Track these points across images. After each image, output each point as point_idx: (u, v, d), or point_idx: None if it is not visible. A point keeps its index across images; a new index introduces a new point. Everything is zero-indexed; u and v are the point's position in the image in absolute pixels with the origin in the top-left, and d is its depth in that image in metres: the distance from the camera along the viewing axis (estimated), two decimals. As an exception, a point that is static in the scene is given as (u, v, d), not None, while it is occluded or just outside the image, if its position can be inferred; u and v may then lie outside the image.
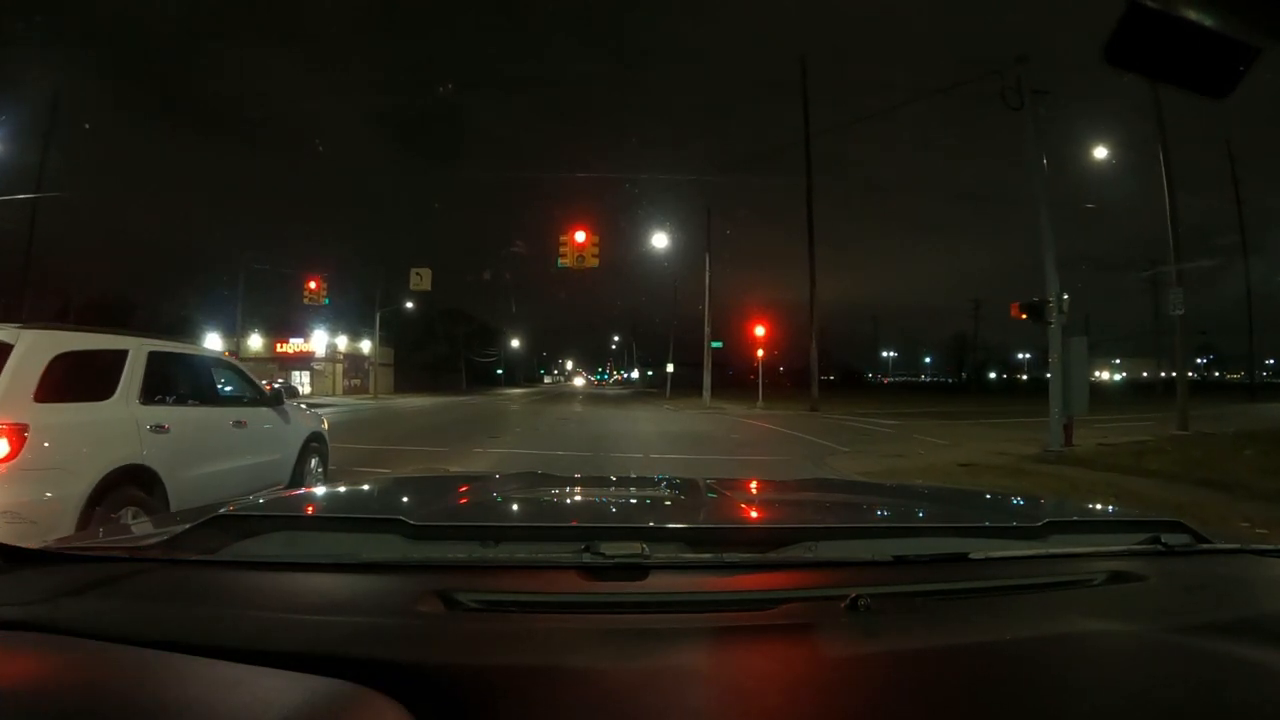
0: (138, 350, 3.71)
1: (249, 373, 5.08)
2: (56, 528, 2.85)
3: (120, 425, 3.44)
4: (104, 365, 3.54)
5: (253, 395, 4.85)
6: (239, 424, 4.44)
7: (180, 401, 4.03)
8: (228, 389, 4.73)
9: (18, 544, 1.00)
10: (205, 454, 4.02)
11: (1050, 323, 9.26)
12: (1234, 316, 35.56)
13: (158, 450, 3.56)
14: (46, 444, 3.06)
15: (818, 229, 24.46)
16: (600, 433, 13.94)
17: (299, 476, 5.12)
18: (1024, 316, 9.49)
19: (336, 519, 1.38)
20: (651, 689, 0.68)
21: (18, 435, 2.94)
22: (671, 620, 0.84)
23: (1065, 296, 9.38)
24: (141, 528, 1.39)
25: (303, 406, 6.25)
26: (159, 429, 3.62)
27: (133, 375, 3.60)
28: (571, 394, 47.98)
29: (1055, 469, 8.09)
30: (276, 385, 5.11)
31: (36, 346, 3.22)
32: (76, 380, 3.36)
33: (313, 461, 5.47)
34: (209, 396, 4.34)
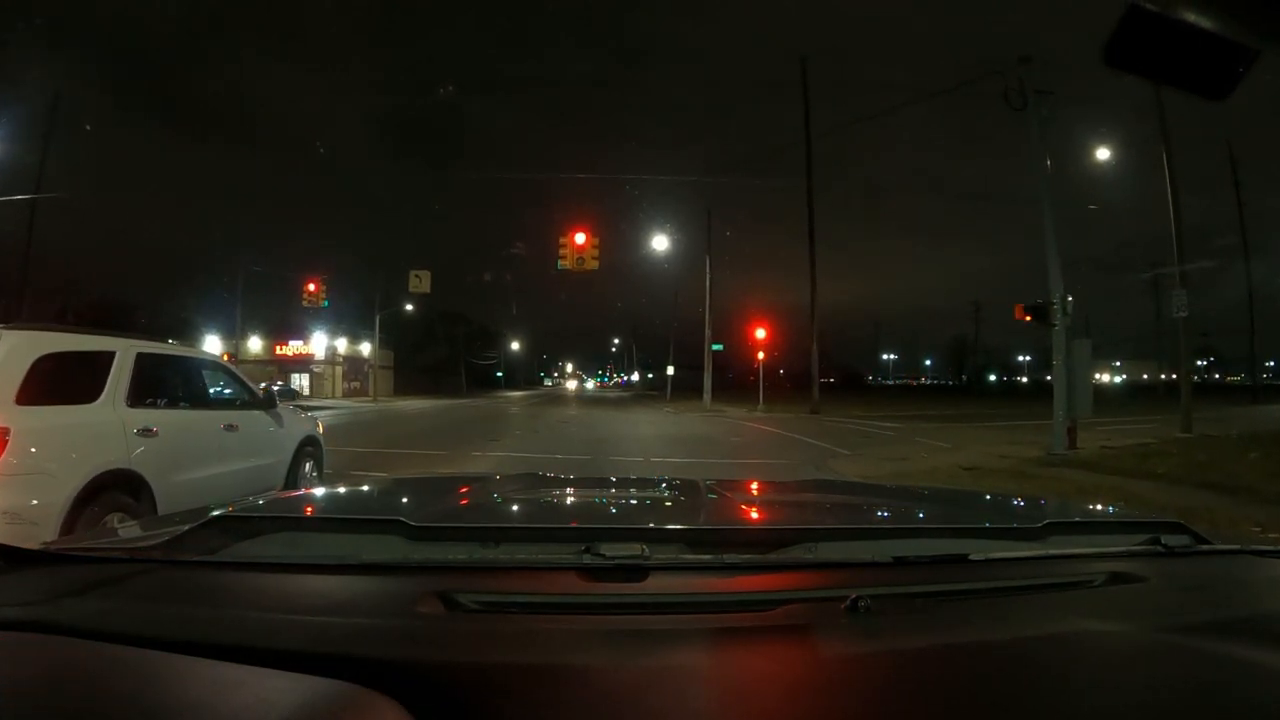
0: (125, 352, 3.63)
1: (241, 375, 5.00)
2: (40, 534, 2.78)
3: (106, 428, 3.36)
4: (90, 367, 3.45)
5: (245, 398, 4.77)
6: (230, 428, 4.35)
7: (169, 404, 3.94)
8: (221, 391, 4.65)
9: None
10: (195, 458, 3.94)
11: (1054, 324, 9.17)
12: (1235, 318, 35.47)
13: (145, 454, 3.48)
14: (28, 448, 2.98)
15: (818, 231, 24.37)
16: (600, 435, 13.86)
17: (293, 481, 5.03)
18: (1028, 318, 9.39)
19: (337, 520, 1.38)
20: (652, 690, 0.68)
21: None
22: (671, 621, 0.84)
23: (1069, 298, 9.29)
24: (142, 529, 1.38)
25: (297, 409, 6.16)
26: (147, 432, 3.54)
27: (120, 377, 3.52)
28: (568, 397, 47.81)
29: (1060, 472, 7.99)
30: (276, 387, 5.01)
31: (19, 348, 3.15)
32: (61, 382, 3.28)
33: (307, 466, 5.38)
34: (199, 399, 4.26)
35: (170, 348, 4.40)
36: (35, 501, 2.92)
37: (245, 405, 4.70)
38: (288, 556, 1.04)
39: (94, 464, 3.20)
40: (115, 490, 3.28)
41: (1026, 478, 7.45)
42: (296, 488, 4.86)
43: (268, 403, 4.86)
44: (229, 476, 4.16)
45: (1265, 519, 5.06)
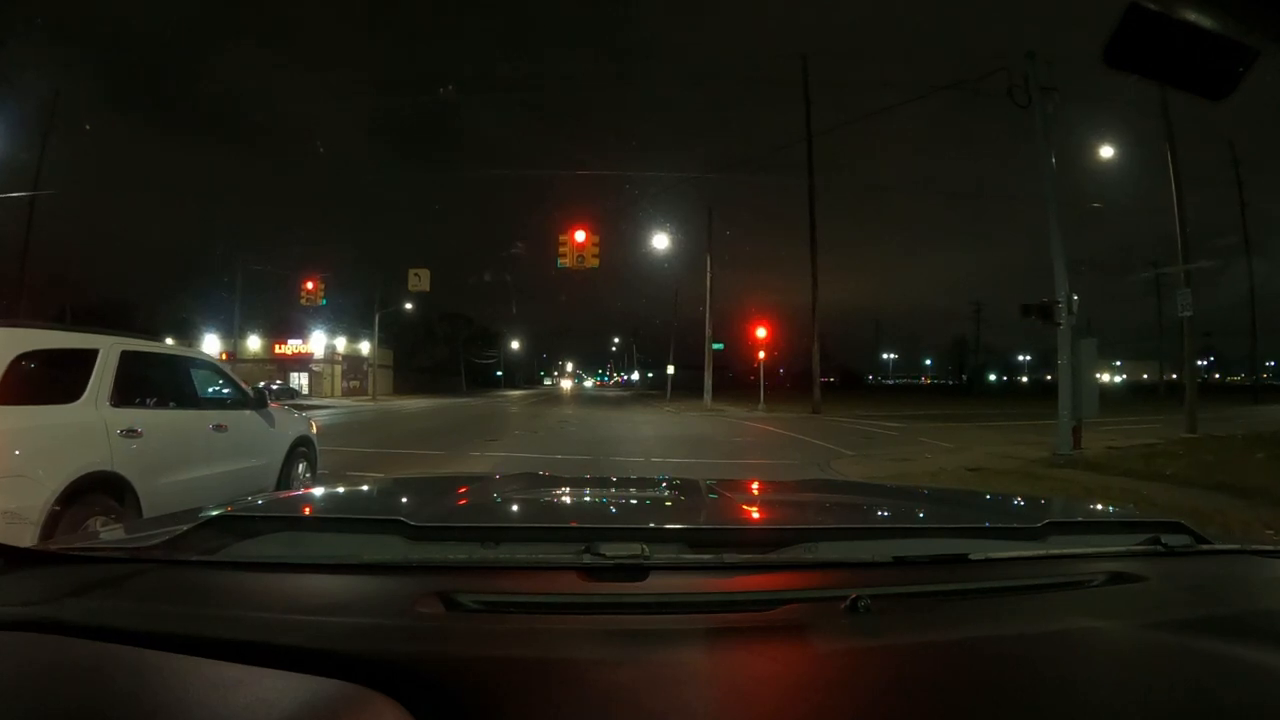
0: (109, 350, 3.51)
1: (231, 373, 4.88)
2: (18, 538, 2.67)
3: (88, 429, 3.24)
4: (72, 365, 3.34)
5: (235, 397, 4.64)
6: (219, 428, 4.23)
7: (156, 404, 3.82)
8: (210, 391, 4.52)
9: None
10: (181, 460, 3.82)
11: (1059, 324, 9.03)
12: (1234, 319, 35.29)
13: (129, 456, 3.36)
14: (7, 449, 2.87)
15: (819, 231, 24.18)
16: (600, 436, 13.75)
17: (285, 483, 4.90)
18: (1033, 317, 9.26)
19: (337, 520, 1.38)
20: (652, 690, 0.67)
21: None
22: (671, 621, 0.84)
23: (1074, 297, 9.17)
24: (140, 529, 1.35)
25: (290, 409, 6.03)
26: (131, 433, 3.42)
27: (103, 376, 3.40)
28: (566, 397, 47.61)
29: (1067, 473, 7.88)
30: (274, 386, 4.89)
31: None
32: (41, 381, 3.18)
33: (300, 467, 5.25)
34: (187, 398, 4.12)
35: (157, 346, 4.28)
36: (13, 505, 2.80)
37: (235, 405, 4.58)
38: (287, 556, 1.04)
39: (75, 466, 3.08)
40: (97, 493, 3.16)
41: (1034, 479, 7.33)
42: (289, 489, 4.75)
43: (258, 402, 4.73)
44: (217, 478, 4.03)
45: (1277, 520, 4.97)
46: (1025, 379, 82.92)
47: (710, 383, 28.83)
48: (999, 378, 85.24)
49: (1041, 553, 1.14)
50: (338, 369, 45.49)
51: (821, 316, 23.76)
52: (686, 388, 37.79)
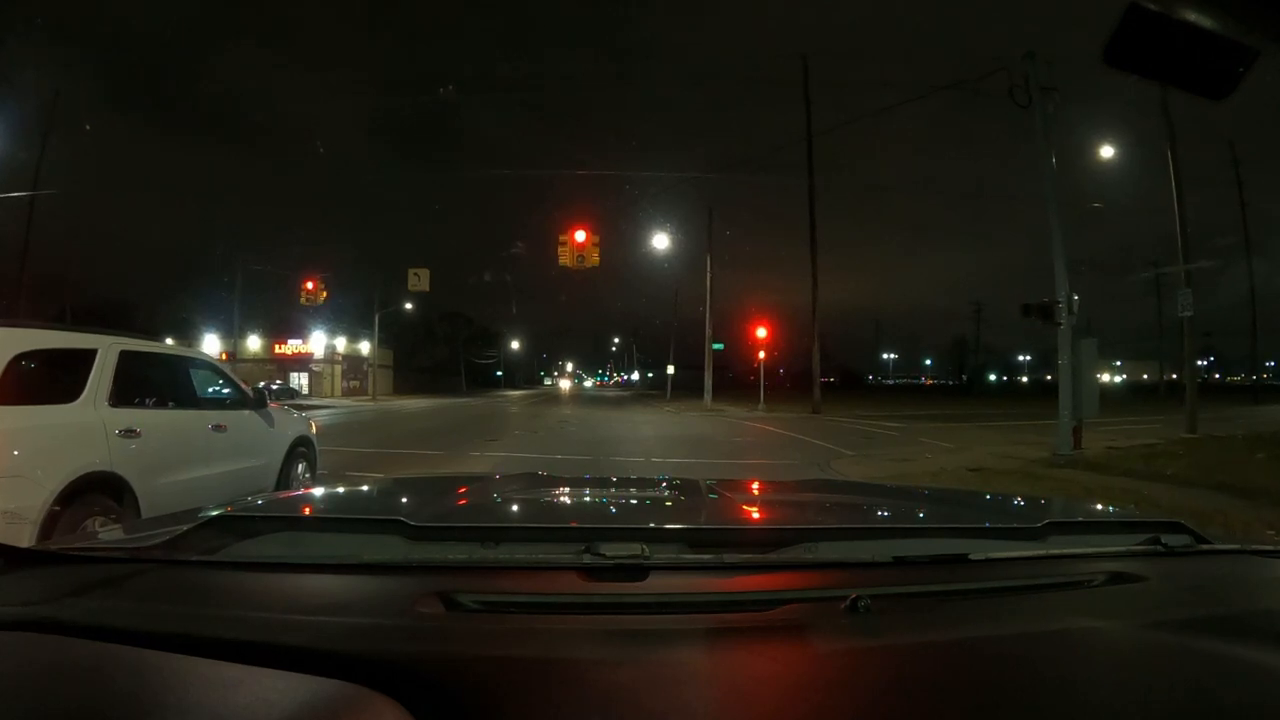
0: (107, 350, 3.50)
1: (230, 373, 4.87)
2: (16, 538, 2.67)
3: (86, 429, 3.23)
4: (70, 365, 3.33)
5: (234, 397, 4.63)
6: (218, 428, 4.22)
7: (155, 404, 3.82)
8: (209, 391, 4.52)
9: None
10: (180, 460, 3.81)
11: (1060, 324, 9.02)
12: (1235, 319, 35.22)
13: (128, 456, 3.35)
14: (5, 449, 2.87)
15: (818, 231, 24.15)
16: (600, 436, 13.74)
17: (284, 483, 4.89)
18: (1033, 317, 9.24)
19: (337, 520, 1.38)
20: (651, 690, 0.67)
21: None
22: (671, 621, 0.84)
23: (1075, 297, 9.16)
24: (143, 528, 1.36)
25: (289, 409, 6.02)
26: (130, 433, 3.41)
27: (101, 376, 3.40)
28: (564, 397, 47.54)
29: (1068, 474, 7.87)
30: (274, 386, 4.88)
31: None
32: (39, 381, 3.17)
33: (299, 467, 5.24)
34: (185, 398, 4.12)
35: (156, 345, 4.27)
36: (12, 505, 2.80)
37: (234, 405, 4.57)
38: (288, 556, 1.04)
39: (73, 466, 3.07)
40: (96, 494, 3.16)
41: (1035, 479, 7.32)
42: (289, 489, 4.75)
43: (258, 402, 4.72)
44: (217, 478, 4.02)
45: (1278, 520, 4.96)
46: (1025, 379, 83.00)
47: (710, 383, 28.82)
48: (999, 378, 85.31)
49: (1041, 553, 1.14)
50: (338, 369, 45.50)
51: (821, 316, 23.76)
52: (686, 388, 37.79)
